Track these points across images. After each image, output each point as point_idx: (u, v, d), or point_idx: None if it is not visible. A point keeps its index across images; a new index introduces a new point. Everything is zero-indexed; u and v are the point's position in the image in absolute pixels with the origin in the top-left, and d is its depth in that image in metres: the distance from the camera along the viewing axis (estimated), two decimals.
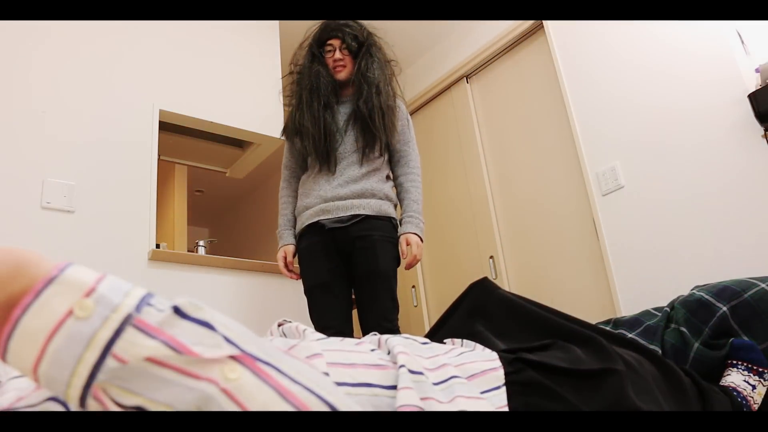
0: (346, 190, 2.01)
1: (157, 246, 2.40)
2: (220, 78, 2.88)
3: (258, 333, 0.62)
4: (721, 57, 2.30)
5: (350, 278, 2.04)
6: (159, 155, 2.56)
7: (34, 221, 2.13)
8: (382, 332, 1.82)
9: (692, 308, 1.28)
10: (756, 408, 1.06)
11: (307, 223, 2.05)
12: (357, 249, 1.99)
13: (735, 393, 1.05)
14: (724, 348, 1.16)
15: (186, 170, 3.55)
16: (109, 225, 2.28)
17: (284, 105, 2.23)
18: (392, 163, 2.19)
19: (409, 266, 2.02)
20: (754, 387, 1.06)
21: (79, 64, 2.48)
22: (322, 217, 2.02)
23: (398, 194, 2.16)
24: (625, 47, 2.64)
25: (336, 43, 2.10)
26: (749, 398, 1.05)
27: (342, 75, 2.10)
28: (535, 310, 0.91)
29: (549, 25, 2.99)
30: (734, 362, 1.13)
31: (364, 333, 1.89)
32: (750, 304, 1.22)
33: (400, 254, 2.03)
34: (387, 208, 2.06)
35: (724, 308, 1.23)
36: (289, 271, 2.11)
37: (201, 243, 3.54)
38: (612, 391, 0.71)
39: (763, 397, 1.08)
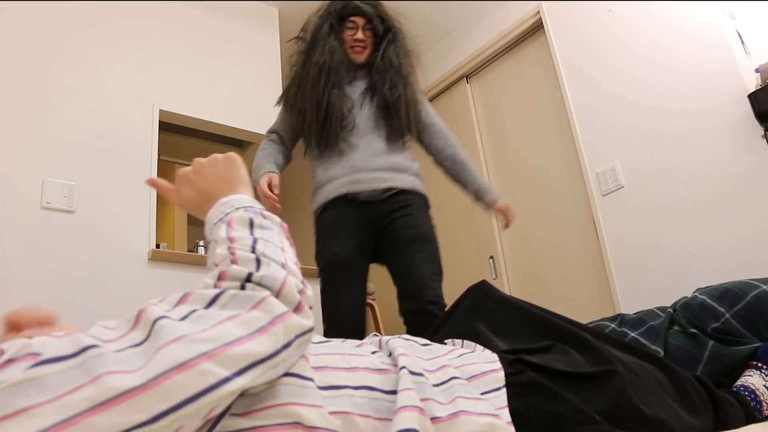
0: (379, 162, 1.84)
1: (157, 246, 2.40)
2: (219, 78, 2.87)
3: None
4: (721, 57, 2.30)
5: (374, 258, 1.88)
6: (159, 155, 2.56)
7: (34, 221, 2.13)
8: (428, 301, 1.72)
9: (694, 311, 1.28)
10: None
11: (333, 196, 1.83)
12: (398, 217, 1.83)
13: (748, 392, 1.04)
14: (747, 345, 1.15)
15: None
16: (109, 225, 2.28)
17: (294, 76, 2.00)
18: (425, 136, 2.01)
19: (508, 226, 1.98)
20: None
21: (80, 64, 2.47)
22: (353, 189, 1.82)
23: (449, 167, 1.99)
24: (625, 47, 2.64)
25: (360, 21, 1.90)
26: (764, 403, 1.04)
27: (362, 57, 1.92)
28: (535, 311, 0.91)
29: (549, 24, 3.00)
30: (758, 364, 1.12)
31: (406, 301, 1.76)
32: (753, 306, 1.22)
33: (505, 215, 1.94)
34: (419, 186, 1.93)
35: (727, 314, 1.23)
36: (274, 198, 1.81)
37: (201, 243, 3.54)
38: (613, 391, 0.71)
39: None
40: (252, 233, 0.61)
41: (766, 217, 2.12)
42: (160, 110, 2.60)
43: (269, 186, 1.82)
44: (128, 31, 2.68)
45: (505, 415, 0.64)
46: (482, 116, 3.41)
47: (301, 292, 0.54)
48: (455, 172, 1.98)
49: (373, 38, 1.93)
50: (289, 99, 1.95)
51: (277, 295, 0.52)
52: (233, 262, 0.55)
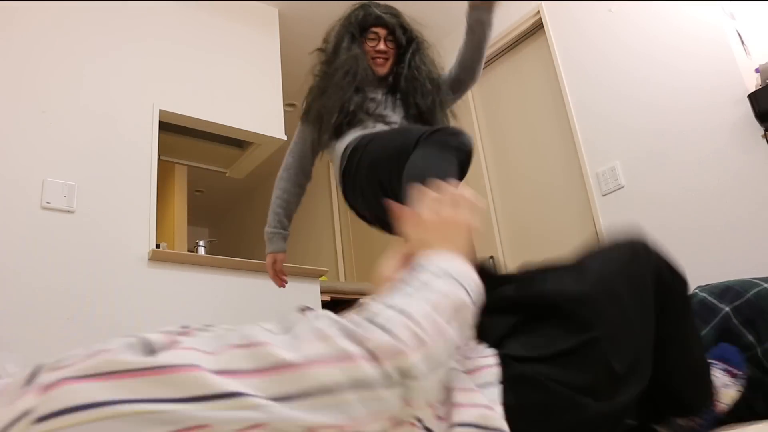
0: None
1: (157, 246, 2.40)
2: (219, 78, 2.88)
3: None
4: (721, 57, 2.30)
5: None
6: (159, 155, 2.56)
7: (34, 221, 2.13)
8: None
9: (694, 309, 1.29)
10: (722, 408, 1.03)
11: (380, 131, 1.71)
12: None
13: None
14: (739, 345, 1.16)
15: (186, 170, 3.55)
16: (109, 225, 2.28)
17: (315, 85, 1.93)
18: (455, 89, 1.93)
19: None
20: (726, 386, 1.05)
21: (79, 64, 2.48)
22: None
23: (468, 51, 1.87)
24: (625, 47, 2.64)
25: (382, 32, 1.84)
26: (719, 392, 1.03)
27: (384, 69, 1.84)
28: (503, 292, 0.91)
29: (549, 24, 3.00)
30: (712, 361, 1.13)
31: None
32: (754, 303, 1.22)
33: None
34: None
35: (727, 309, 1.24)
36: (280, 279, 1.98)
37: (201, 243, 3.54)
38: (593, 365, 0.73)
39: (734, 403, 1.05)
40: (445, 326, 0.56)
41: (766, 217, 2.12)
42: (160, 110, 2.60)
43: (274, 265, 1.94)
44: (128, 30, 2.68)
45: (499, 408, 0.66)
46: (482, 116, 3.41)
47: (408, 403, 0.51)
48: (464, 61, 1.88)
49: (395, 50, 1.86)
50: (310, 109, 1.88)
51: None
52: (406, 342, 0.51)
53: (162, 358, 0.42)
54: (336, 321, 0.49)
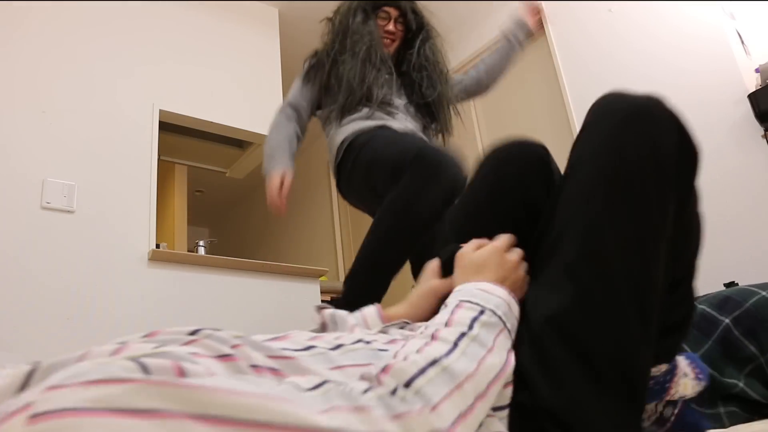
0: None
1: (157, 246, 2.40)
2: (219, 78, 2.88)
3: (256, 333, 0.62)
4: (721, 57, 2.30)
5: None
6: (159, 155, 2.56)
7: (34, 221, 2.13)
8: None
9: (694, 321, 1.28)
10: (673, 393, 0.98)
11: (384, 124, 1.69)
12: None
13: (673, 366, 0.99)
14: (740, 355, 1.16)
15: (186, 170, 3.55)
16: (109, 225, 2.28)
17: (324, 52, 1.88)
18: (465, 93, 2.08)
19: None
20: (685, 374, 1.03)
21: (80, 64, 2.48)
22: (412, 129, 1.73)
23: (489, 72, 2.17)
24: (624, 47, 2.64)
25: (393, 12, 1.85)
26: (676, 373, 0.98)
27: (390, 49, 1.84)
28: None
29: (549, 24, 2.99)
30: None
31: None
32: (753, 312, 1.22)
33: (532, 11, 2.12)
34: None
35: (727, 320, 1.24)
36: (284, 205, 1.76)
37: (201, 243, 3.54)
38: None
39: (684, 396, 1.02)
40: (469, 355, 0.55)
41: (766, 217, 2.11)
42: (160, 110, 2.60)
43: (281, 186, 1.72)
44: (128, 30, 2.68)
45: None
46: (482, 116, 3.41)
47: None
48: (493, 66, 2.08)
49: (403, 32, 1.87)
50: (318, 74, 1.84)
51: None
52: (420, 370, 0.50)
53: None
54: (372, 386, 0.46)
